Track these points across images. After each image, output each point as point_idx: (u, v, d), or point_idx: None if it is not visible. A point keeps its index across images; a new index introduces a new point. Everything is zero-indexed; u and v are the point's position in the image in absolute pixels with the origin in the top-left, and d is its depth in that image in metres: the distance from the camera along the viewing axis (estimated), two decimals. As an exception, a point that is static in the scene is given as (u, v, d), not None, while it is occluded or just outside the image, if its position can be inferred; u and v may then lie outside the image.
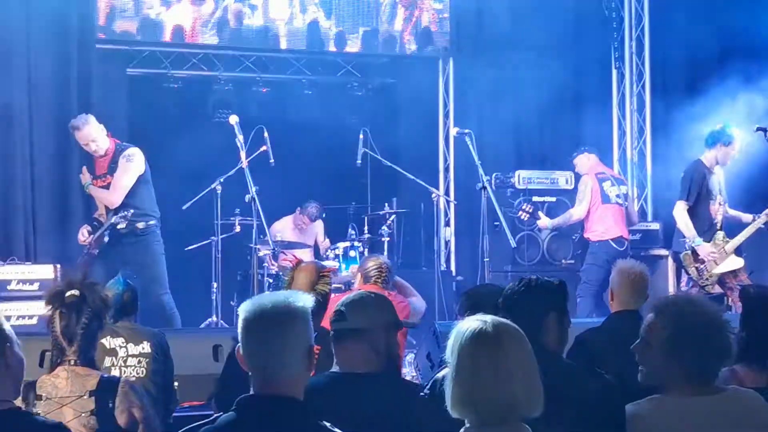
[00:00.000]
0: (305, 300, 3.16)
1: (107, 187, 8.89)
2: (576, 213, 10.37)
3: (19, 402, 3.86)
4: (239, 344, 3.13)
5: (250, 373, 3.11)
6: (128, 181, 8.85)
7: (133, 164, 8.88)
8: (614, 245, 10.15)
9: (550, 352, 3.91)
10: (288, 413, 3.04)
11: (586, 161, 10.53)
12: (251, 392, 3.10)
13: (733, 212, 9.46)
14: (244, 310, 3.13)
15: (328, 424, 3.08)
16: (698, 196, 9.15)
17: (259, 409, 3.06)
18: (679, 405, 3.45)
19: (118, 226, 8.71)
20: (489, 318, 3.03)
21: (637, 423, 3.47)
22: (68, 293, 4.38)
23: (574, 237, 10.90)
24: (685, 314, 3.50)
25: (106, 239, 8.81)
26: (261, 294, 3.35)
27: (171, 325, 8.65)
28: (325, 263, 10.35)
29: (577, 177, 10.79)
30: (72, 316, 4.36)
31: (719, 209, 9.23)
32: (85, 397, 4.30)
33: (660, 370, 3.53)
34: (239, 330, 3.13)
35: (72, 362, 4.35)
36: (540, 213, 10.37)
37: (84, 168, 9.12)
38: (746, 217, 9.36)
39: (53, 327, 4.37)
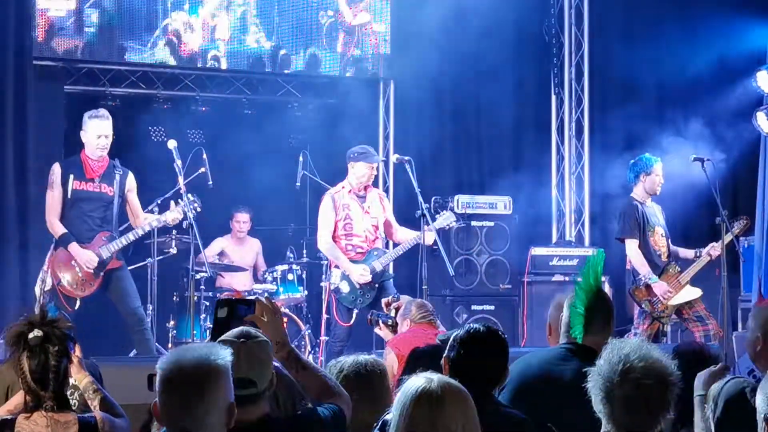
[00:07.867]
0: (226, 355, 3.09)
1: (95, 192, 8.61)
2: None
3: None
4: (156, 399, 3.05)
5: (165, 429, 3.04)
6: None
7: None
8: None
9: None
10: None
11: None
12: None
13: (677, 250, 9.33)
14: (163, 366, 3.05)
15: None
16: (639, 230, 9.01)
17: None
18: None
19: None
20: (436, 377, 3.02)
21: None
22: (31, 335, 4.09)
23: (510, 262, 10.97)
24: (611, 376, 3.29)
25: None
26: (181, 348, 3.24)
27: (146, 339, 8.54)
28: (263, 286, 10.31)
29: (519, 202, 10.90)
30: (40, 357, 4.08)
31: (660, 240, 9.10)
32: None
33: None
34: (157, 384, 3.05)
35: (49, 407, 4.11)
36: None
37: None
38: (687, 252, 9.26)
39: (21, 371, 4.09)
